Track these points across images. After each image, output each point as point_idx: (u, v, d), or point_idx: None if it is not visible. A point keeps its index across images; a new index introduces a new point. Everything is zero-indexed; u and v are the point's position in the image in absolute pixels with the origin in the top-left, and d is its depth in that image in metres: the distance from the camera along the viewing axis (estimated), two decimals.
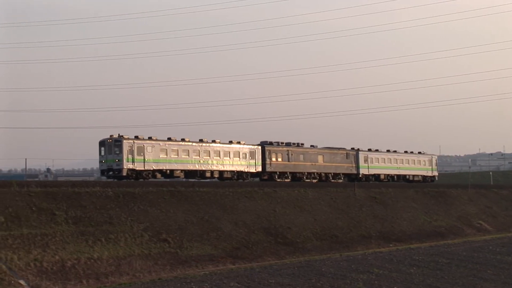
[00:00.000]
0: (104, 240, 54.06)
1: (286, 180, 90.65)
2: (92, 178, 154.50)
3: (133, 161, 75.53)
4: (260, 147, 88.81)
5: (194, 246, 58.32)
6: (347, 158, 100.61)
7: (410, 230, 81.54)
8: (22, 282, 45.29)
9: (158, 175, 78.33)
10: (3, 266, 46.09)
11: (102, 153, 76.90)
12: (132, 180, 74.78)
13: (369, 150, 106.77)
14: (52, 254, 49.56)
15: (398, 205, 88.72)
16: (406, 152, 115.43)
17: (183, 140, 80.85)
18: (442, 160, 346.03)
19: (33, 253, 48.68)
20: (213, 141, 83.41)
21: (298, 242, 66.77)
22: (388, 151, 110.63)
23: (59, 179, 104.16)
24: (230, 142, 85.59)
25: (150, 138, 78.64)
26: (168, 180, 79.01)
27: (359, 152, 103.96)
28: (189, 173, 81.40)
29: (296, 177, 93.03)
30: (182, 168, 79.98)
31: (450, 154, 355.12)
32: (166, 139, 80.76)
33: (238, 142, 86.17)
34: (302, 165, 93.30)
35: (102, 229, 55.74)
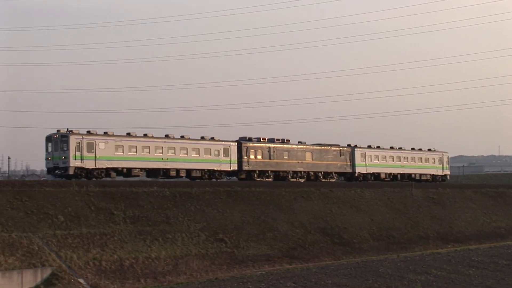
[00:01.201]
0: (162, 239, 54.47)
1: (267, 179, 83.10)
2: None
3: (82, 159, 68.39)
4: (236, 143, 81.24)
5: (251, 246, 58.40)
6: (340, 155, 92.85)
7: (468, 230, 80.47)
8: (81, 280, 45.93)
9: (113, 174, 71.49)
10: (63, 265, 46.80)
11: (49, 149, 69.81)
12: (84, 179, 67.93)
13: (369, 147, 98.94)
14: (111, 253, 50.12)
15: (456, 206, 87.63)
16: (413, 149, 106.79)
17: (145, 135, 74.57)
18: (501, 160, 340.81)
19: (92, 252, 49.31)
20: (182, 137, 77.61)
21: (355, 242, 66.41)
22: (392, 148, 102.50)
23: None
24: (202, 138, 79.58)
25: (106, 133, 72.01)
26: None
27: (356, 149, 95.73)
28: (151, 172, 74.95)
29: (279, 176, 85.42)
30: (142, 166, 72.87)
31: (509, 154, 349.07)
32: (125, 134, 74.19)
33: (212, 138, 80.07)
34: (286, 163, 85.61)
35: (159, 228, 56.18)
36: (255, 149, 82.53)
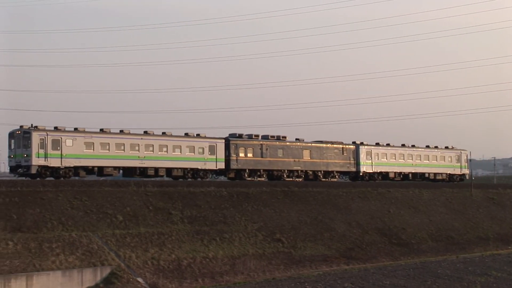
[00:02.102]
0: (219, 239, 54.70)
1: (259, 179, 77.21)
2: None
3: (46, 157, 62.62)
4: (223, 140, 75.42)
5: (308, 246, 58.28)
6: (343, 153, 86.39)
7: None
8: (140, 280, 46.36)
9: (83, 173, 65.92)
10: (122, 264, 47.31)
11: (12, 146, 64.36)
12: (48, 179, 62.68)
13: (377, 144, 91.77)
14: (169, 252, 50.51)
15: None
16: (428, 147, 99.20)
17: (121, 131, 68.99)
18: None
19: (150, 252, 49.76)
20: (163, 133, 72.28)
21: (413, 243, 65.78)
22: (403, 145, 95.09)
23: None
24: (186, 135, 73.83)
25: (76, 129, 65.99)
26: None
27: (360, 147, 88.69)
28: (126, 171, 69.13)
29: (273, 175, 79.37)
30: (115, 165, 67.00)
31: None
32: (99, 130, 68.41)
33: (198, 135, 74.33)
34: (280, 161, 79.62)
35: (216, 228, 56.43)
36: (245, 147, 76.85)
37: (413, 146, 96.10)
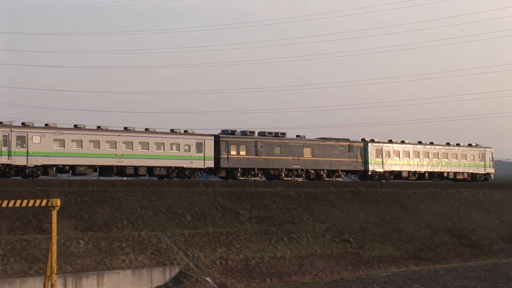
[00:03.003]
0: (287, 239, 54.70)
1: (254, 178, 71.84)
2: None
3: (9, 155, 58.57)
4: (212, 137, 70.10)
5: (376, 247, 57.85)
6: (349, 151, 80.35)
7: None
8: (208, 279, 46.66)
9: (52, 172, 61.35)
10: (191, 264, 47.69)
11: None
12: (11, 177, 59.23)
13: (390, 141, 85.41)
14: (237, 252, 50.71)
15: None
16: (448, 144, 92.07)
17: (99, 128, 64.27)
18: None
19: (218, 251, 50.03)
20: (146, 129, 67.53)
21: (484, 244, 64.70)
22: (420, 142, 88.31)
23: None
24: (172, 131, 68.93)
25: (47, 126, 61.98)
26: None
27: (369, 144, 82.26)
28: (102, 170, 64.25)
29: (270, 174, 74.02)
30: (89, 163, 62.32)
31: None
32: (73, 126, 64.04)
33: (186, 131, 69.25)
34: (278, 159, 74.21)
35: (284, 228, 56.44)
36: (237, 144, 71.45)
37: (431, 143, 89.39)
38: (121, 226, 49.67)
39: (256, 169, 72.35)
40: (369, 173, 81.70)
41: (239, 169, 71.24)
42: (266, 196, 61.40)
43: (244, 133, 73.16)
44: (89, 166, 62.49)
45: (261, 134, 74.53)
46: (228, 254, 50.09)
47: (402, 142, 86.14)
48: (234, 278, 47.40)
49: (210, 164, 69.28)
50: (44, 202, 35.94)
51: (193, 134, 69.00)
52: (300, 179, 75.05)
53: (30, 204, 36.09)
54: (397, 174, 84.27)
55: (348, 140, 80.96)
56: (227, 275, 47.43)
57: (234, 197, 59.43)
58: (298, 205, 61.70)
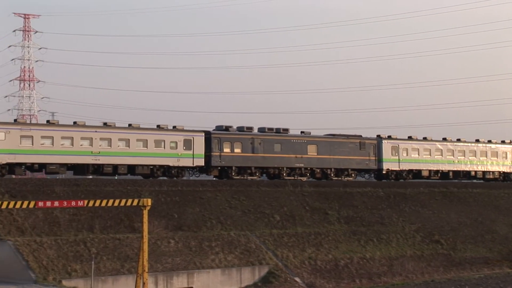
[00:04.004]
0: (376, 240, 54.23)
1: (252, 177, 65.46)
2: None
3: None
4: (202, 134, 64.41)
5: (468, 248, 56.77)
6: (360, 148, 73.78)
7: None
8: (297, 279, 46.67)
9: (19, 171, 57.51)
10: (279, 264, 47.77)
11: None
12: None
13: (410, 137, 79.32)
14: (325, 253, 50.55)
15: None
16: (477, 141, 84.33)
17: (75, 124, 60.31)
18: None
19: (307, 252, 49.97)
20: (130, 125, 62.87)
21: None
22: (444, 139, 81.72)
23: None
24: (158, 127, 63.98)
25: (15, 121, 59.69)
26: (440, 181, 72.98)
27: (383, 141, 75.46)
28: (76, 168, 59.21)
29: (270, 173, 67.94)
30: (61, 161, 57.46)
31: None
32: (45, 122, 61.31)
33: (174, 127, 64.42)
34: (278, 157, 67.80)
35: (373, 229, 55.97)
36: (232, 141, 65.53)
37: (458, 140, 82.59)
38: (211, 226, 50.12)
39: (253, 168, 66.20)
40: (384, 172, 75.21)
41: (234, 168, 64.93)
42: (355, 196, 60.99)
43: (241, 129, 67.84)
44: (62, 165, 57.93)
45: (261, 130, 69.13)
46: (317, 254, 49.97)
47: (424, 138, 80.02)
48: (323, 278, 47.29)
49: (200, 162, 63.59)
50: (136, 201, 36.59)
51: (181, 130, 64.03)
52: (304, 179, 68.82)
53: (122, 203, 36.81)
54: (416, 173, 78.07)
55: (359, 136, 75.31)
56: (316, 275, 47.34)
57: (322, 197, 59.24)
58: (388, 205, 61.07)
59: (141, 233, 36.38)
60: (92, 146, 58.73)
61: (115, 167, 59.44)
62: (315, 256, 49.71)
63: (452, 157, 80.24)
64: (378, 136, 76.24)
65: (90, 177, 58.12)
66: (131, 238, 45.15)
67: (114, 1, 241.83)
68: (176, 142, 62.67)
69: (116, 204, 36.92)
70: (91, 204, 36.57)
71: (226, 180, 61.71)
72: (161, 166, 61.63)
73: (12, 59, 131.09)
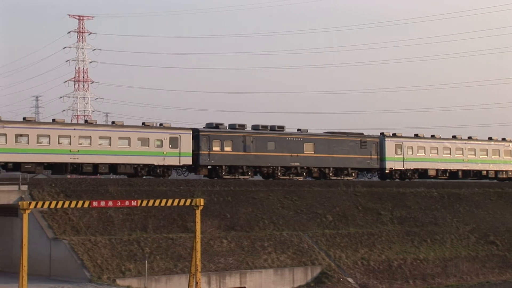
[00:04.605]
0: (430, 240, 53.73)
1: (244, 177, 62.44)
2: None
3: None
4: (189, 131, 62.07)
5: None
6: (361, 147, 70.07)
7: None
8: (350, 280, 46.48)
9: None
10: (332, 264, 47.63)
11: None
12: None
13: (416, 135, 75.65)
14: (378, 253, 50.25)
15: None
16: (490, 139, 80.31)
17: (54, 121, 58.56)
18: None
19: (360, 252, 49.74)
20: (113, 123, 61.69)
21: None
22: (454, 137, 78.04)
23: None
24: (143, 124, 61.95)
25: None
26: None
27: (386, 139, 71.97)
28: (55, 167, 57.32)
29: (264, 173, 64.87)
30: (37, 160, 55.59)
31: None
32: (22, 119, 58.26)
33: (161, 125, 62.23)
34: (272, 156, 64.71)
35: (427, 229, 55.45)
36: (222, 139, 62.75)
37: (469, 137, 78.78)
38: (263, 226, 50.17)
39: (244, 167, 63.19)
40: (387, 171, 71.46)
41: (224, 167, 62.21)
42: (408, 197, 60.48)
43: (233, 126, 64.99)
44: (38, 164, 55.81)
45: (255, 128, 66.11)
46: (370, 255, 49.70)
47: (432, 136, 76.50)
48: (376, 279, 47.04)
49: (187, 161, 60.99)
50: (188, 201, 36.83)
51: (167, 127, 61.71)
52: (300, 178, 65.66)
53: (175, 203, 37.08)
54: (422, 173, 74.41)
55: (360, 134, 71.97)
56: (369, 276, 47.10)
57: (375, 197, 58.88)
58: (441, 206, 60.44)
59: (194, 232, 36.61)
60: (70, 144, 56.69)
61: (96, 166, 57.40)
62: (368, 256, 49.45)
63: (462, 155, 76.79)
64: (382, 134, 73.27)
65: (69, 176, 56.07)
66: (184, 238, 45.43)
67: (163, 3, 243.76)
68: (161, 140, 60.53)
69: (169, 204, 37.22)
70: (144, 204, 36.95)
71: (277, 180, 61.56)
72: (145, 165, 59.55)
73: (67, 61, 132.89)
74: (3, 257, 41.05)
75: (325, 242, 49.78)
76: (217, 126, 63.64)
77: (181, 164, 60.99)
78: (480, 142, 78.66)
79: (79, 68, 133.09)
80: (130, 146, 58.90)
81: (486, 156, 78.22)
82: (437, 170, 74.56)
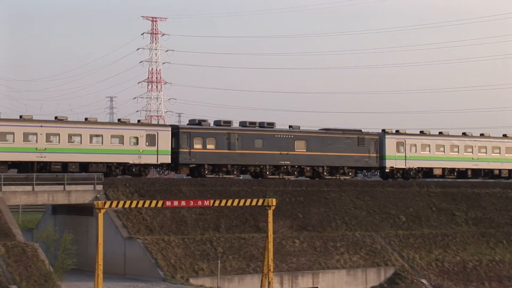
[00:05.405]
0: (506, 242, 52.75)
1: (229, 176, 58.79)
2: None
3: None
4: (168, 128, 59.21)
5: None
6: (359, 144, 65.22)
7: None
8: (424, 281, 45.97)
9: None
10: (406, 265, 47.16)
11: None
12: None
13: (422, 132, 71.10)
14: (453, 254, 49.57)
15: None
16: (505, 135, 75.10)
17: (20, 118, 55.90)
18: None
19: (434, 253, 49.14)
20: (86, 119, 57.82)
21: None
22: (464, 134, 73.13)
23: None
24: (119, 121, 59.48)
25: None
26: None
27: (386, 136, 67.10)
28: (21, 166, 54.77)
29: (251, 172, 61.31)
30: (4, 159, 53.21)
31: None
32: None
33: (139, 121, 59.99)
34: (259, 154, 60.87)
35: (503, 230, 54.45)
36: (204, 136, 59.18)
37: (481, 134, 74.23)
38: (335, 226, 49.98)
39: (229, 166, 59.59)
40: (387, 170, 66.61)
41: (206, 166, 58.71)
42: (483, 197, 59.47)
43: (218, 123, 61.68)
44: (2, 162, 53.25)
45: (242, 124, 62.60)
46: (444, 256, 49.07)
47: (440, 133, 72.02)
48: (450, 280, 46.44)
49: (166, 159, 57.75)
50: (261, 201, 36.91)
51: (144, 124, 59.08)
52: (291, 178, 61.48)
53: (247, 203, 37.22)
54: (427, 172, 69.36)
55: (358, 131, 67.23)
56: (443, 278, 46.52)
57: (449, 198, 58.05)
58: None
59: (266, 232, 36.67)
60: (37, 142, 54.11)
61: (65, 164, 54.48)
62: (442, 257, 48.81)
63: (471, 154, 71.81)
64: (383, 130, 68.50)
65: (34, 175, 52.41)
66: (256, 238, 45.56)
67: (235, 3, 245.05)
68: (137, 138, 57.27)
69: (241, 204, 37.38)
70: (217, 203, 37.20)
71: (350, 180, 60.81)
72: (120, 164, 56.61)
73: (140, 62, 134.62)
74: (78, 256, 41.80)
75: (398, 243, 49.32)
76: (199, 122, 60.70)
77: (159, 162, 57.92)
78: (491, 140, 73.86)
79: (152, 69, 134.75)
80: (102, 144, 56.19)
81: (499, 155, 73.48)
82: (443, 169, 69.83)
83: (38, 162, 53.63)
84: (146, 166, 57.29)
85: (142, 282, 40.47)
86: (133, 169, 56.40)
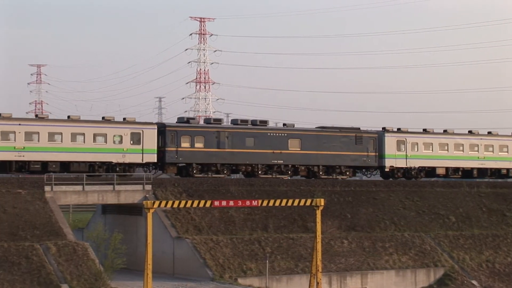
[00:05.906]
0: None
1: (219, 175, 57.32)
2: None
3: None
4: (154, 126, 57.29)
5: None
6: (356, 143, 62.84)
7: None
8: (474, 282, 45.48)
9: None
10: (456, 266, 46.70)
11: None
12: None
13: (425, 130, 68.82)
14: (504, 255, 48.98)
15: None
16: None
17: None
18: None
19: (484, 254, 48.59)
20: (68, 117, 56.71)
21: None
22: (470, 132, 71.03)
23: None
24: (103, 119, 56.90)
25: None
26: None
27: (386, 134, 64.54)
28: None
29: (242, 171, 59.88)
30: None
31: None
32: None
33: (124, 119, 57.50)
34: (250, 153, 59.03)
35: None
36: (192, 135, 57.47)
37: (489, 133, 71.49)
38: (384, 226, 49.68)
39: (218, 165, 57.80)
40: (386, 169, 64.14)
41: (194, 165, 57.09)
42: None
43: (208, 121, 61.13)
44: None
45: (233, 122, 61.80)
46: (495, 257, 48.49)
47: (445, 131, 69.35)
48: (501, 282, 45.89)
49: (152, 158, 56.09)
50: (309, 201, 36.87)
51: (129, 122, 56.88)
52: (285, 177, 59.65)
53: (296, 203, 37.20)
54: (429, 171, 66.74)
55: (356, 129, 64.96)
56: (494, 279, 45.99)
57: (500, 198, 57.30)
58: None
59: (314, 233, 36.61)
60: (14, 141, 52.56)
61: (45, 164, 53.10)
62: (493, 259, 48.24)
63: (477, 152, 69.19)
64: (383, 128, 66.08)
65: (13, 176, 52.53)
66: (305, 238, 45.51)
67: (284, 4, 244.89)
68: (121, 136, 55.77)
69: (289, 204, 37.39)
70: (265, 203, 37.23)
71: (399, 180, 60.35)
72: (103, 163, 55.07)
73: (189, 62, 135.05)
74: (128, 255, 42.17)
75: (448, 244, 48.85)
76: (188, 120, 59.55)
77: (144, 161, 56.41)
78: (499, 138, 71.24)
79: (200, 69, 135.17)
80: (84, 142, 54.68)
81: (506, 153, 70.77)
82: (447, 168, 67.21)
83: (17, 162, 52.51)
84: (131, 166, 56.00)
85: (191, 282, 40.71)
86: (117, 169, 54.91)
